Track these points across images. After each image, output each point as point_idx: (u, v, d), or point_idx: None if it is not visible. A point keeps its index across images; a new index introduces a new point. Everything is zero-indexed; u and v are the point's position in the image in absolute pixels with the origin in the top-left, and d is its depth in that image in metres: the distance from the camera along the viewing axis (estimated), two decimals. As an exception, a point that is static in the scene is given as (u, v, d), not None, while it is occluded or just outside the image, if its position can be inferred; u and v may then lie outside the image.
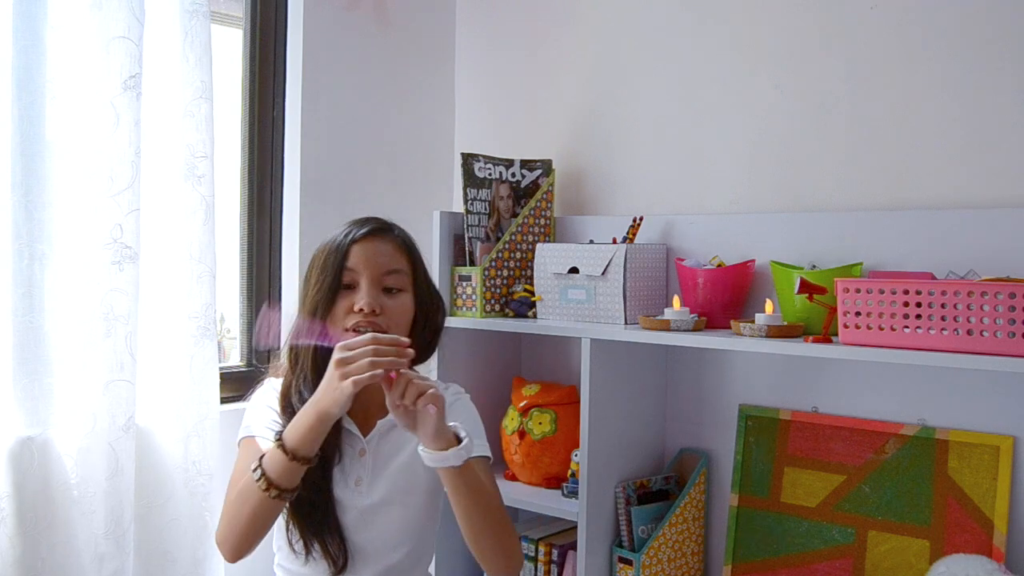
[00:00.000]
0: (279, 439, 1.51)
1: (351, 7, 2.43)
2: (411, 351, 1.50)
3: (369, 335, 1.48)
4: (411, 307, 1.68)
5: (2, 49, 1.73)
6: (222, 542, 1.58)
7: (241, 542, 1.55)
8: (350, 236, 1.66)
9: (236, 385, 2.21)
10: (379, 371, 1.44)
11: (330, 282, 1.62)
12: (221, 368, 2.08)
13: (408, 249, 1.71)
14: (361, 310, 1.60)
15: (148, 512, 1.95)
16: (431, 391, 1.46)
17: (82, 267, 1.80)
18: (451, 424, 1.54)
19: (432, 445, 1.49)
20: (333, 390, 1.46)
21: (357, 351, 1.46)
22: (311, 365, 1.64)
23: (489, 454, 1.70)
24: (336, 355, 1.48)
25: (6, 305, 1.73)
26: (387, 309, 1.63)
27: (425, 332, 1.72)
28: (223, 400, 2.07)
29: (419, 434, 1.50)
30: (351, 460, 1.67)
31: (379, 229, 1.68)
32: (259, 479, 1.50)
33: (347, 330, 1.62)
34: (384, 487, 1.67)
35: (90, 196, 1.80)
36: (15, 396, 1.74)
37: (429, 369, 2.22)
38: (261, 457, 1.52)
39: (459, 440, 1.51)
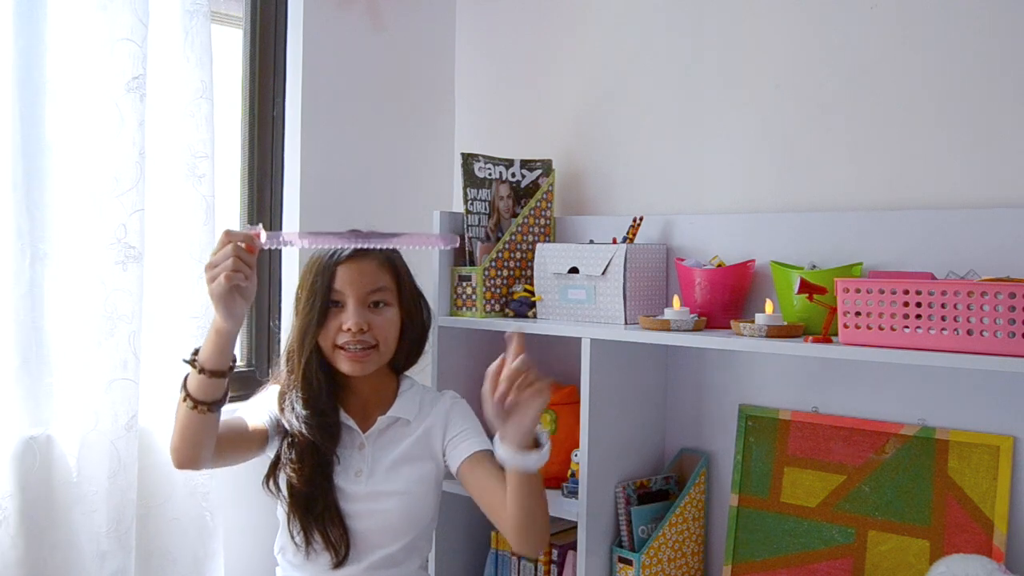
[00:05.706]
0: (194, 355, 1.60)
1: (343, 7, 2.42)
2: (261, 236, 1.52)
3: (222, 234, 1.50)
4: (397, 318, 1.80)
5: (3, 50, 1.73)
6: (170, 451, 1.67)
7: (179, 451, 1.64)
8: (335, 257, 1.75)
9: (236, 385, 2.19)
10: (242, 274, 1.47)
11: (320, 304, 1.74)
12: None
13: (391, 264, 1.80)
14: (349, 329, 1.72)
15: (148, 512, 1.95)
16: (544, 385, 1.54)
17: (86, 267, 1.81)
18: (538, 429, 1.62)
19: (517, 444, 1.57)
20: (212, 298, 1.50)
21: (218, 255, 1.49)
22: (301, 375, 1.77)
23: (491, 448, 1.77)
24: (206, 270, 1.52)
25: (8, 305, 1.73)
26: (374, 325, 1.75)
27: (413, 335, 1.85)
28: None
29: (509, 431, 1.57)
30: (351, 454, 1.78)
31: (362, 248, 1.74)
32: (181, 390, 1.61)
33: (338, 347, 1.75)
34: (384, 476, 1.76)
35: (94, 197, 1.82)
36: (18, 395, 1.75)
37: (426, 370, 2.22)
38: (187, 375, 1.61)
39: (539, 445, 1.60)
